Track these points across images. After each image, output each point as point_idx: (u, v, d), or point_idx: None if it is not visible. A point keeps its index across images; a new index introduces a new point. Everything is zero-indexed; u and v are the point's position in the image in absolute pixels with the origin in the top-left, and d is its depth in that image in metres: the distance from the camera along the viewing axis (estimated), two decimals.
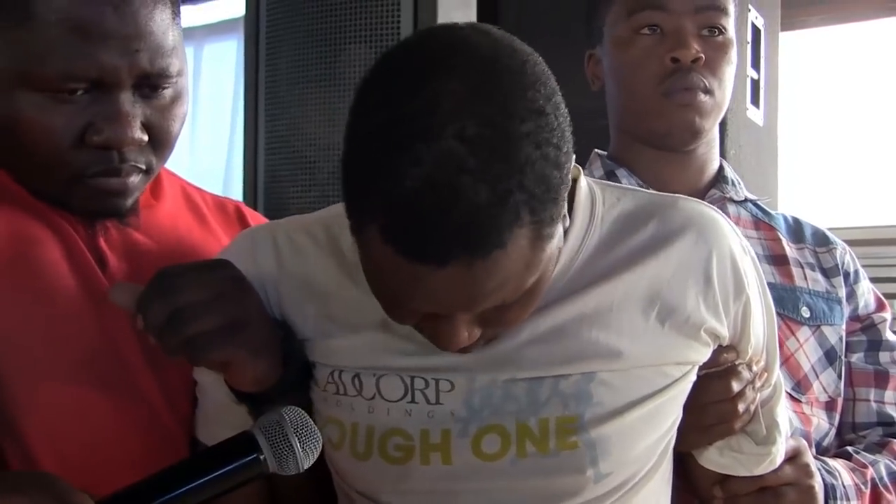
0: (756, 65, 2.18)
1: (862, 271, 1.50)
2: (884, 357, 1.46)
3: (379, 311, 0.94)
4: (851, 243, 1.50)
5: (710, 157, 1.49)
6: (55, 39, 1.02)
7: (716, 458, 1.11)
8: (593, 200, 1.05)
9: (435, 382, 1.00)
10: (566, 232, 0.99)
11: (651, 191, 1.11)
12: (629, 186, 1.11)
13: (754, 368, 1.09)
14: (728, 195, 1.47)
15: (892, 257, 3.01)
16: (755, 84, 2.18)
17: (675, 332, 1.01)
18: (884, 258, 2.97)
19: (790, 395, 1.36)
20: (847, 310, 1.46)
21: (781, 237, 1.47)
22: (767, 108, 2.25)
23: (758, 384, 1.09)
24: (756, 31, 2.17)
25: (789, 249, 1.46)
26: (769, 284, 1.33)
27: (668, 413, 1.02)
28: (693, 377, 1.05)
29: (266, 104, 2.19)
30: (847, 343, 1.46)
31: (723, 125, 2.05)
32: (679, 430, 1.06)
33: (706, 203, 1.10)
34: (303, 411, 0.93)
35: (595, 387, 0.98)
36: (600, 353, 0.98)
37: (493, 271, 0.84)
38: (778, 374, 1.15)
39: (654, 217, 1.03)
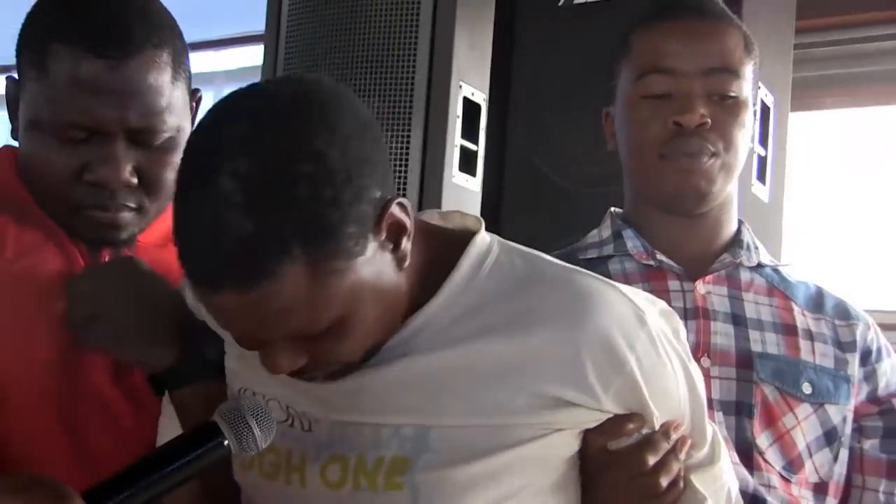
0: (764, 142, 2.18)
1: (889, 349, 1.43)
2: None
3: None
4: None
5: (724, 220, 1.45)
6: (60, 93, 1.21)
7: None
8: (487, 256, 1.08)
9: (303, 413, 1.08)
10: (443, 283, 1.05)
11: (556, 261, 1.10)
12: (536, 252, 1.11)
13: (673, 436, 1.06)
14: (738, 260, 1.43)
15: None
16: (762, 160, 2.18)
17: (527, 399, 1.02)
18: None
19: (781, 474, 1.32)
20: (864, 390, 1.39)
21: (795, 306, 1.42)
22: (774, 186, 2.25)
23: (681, 454, 1.07)
24: (765, 108, 2.18)
25: (802, 319, 1.40)
26: (772, 355, 1.33)
27: (514, 473, 1.03)
28: (564, 441, 1.05)
29: None
30: (861, 427, 1.38)
31: None
32: None
33: (599, 277, 1.08)
34: (259, 398, 1.03)
35: (433, 437, 1.02)
36: (438, 411, 1.03)
37: (268, 302, 0.91)
38: (716, 439, 1.13)
39: (534, 288, 1.05)
